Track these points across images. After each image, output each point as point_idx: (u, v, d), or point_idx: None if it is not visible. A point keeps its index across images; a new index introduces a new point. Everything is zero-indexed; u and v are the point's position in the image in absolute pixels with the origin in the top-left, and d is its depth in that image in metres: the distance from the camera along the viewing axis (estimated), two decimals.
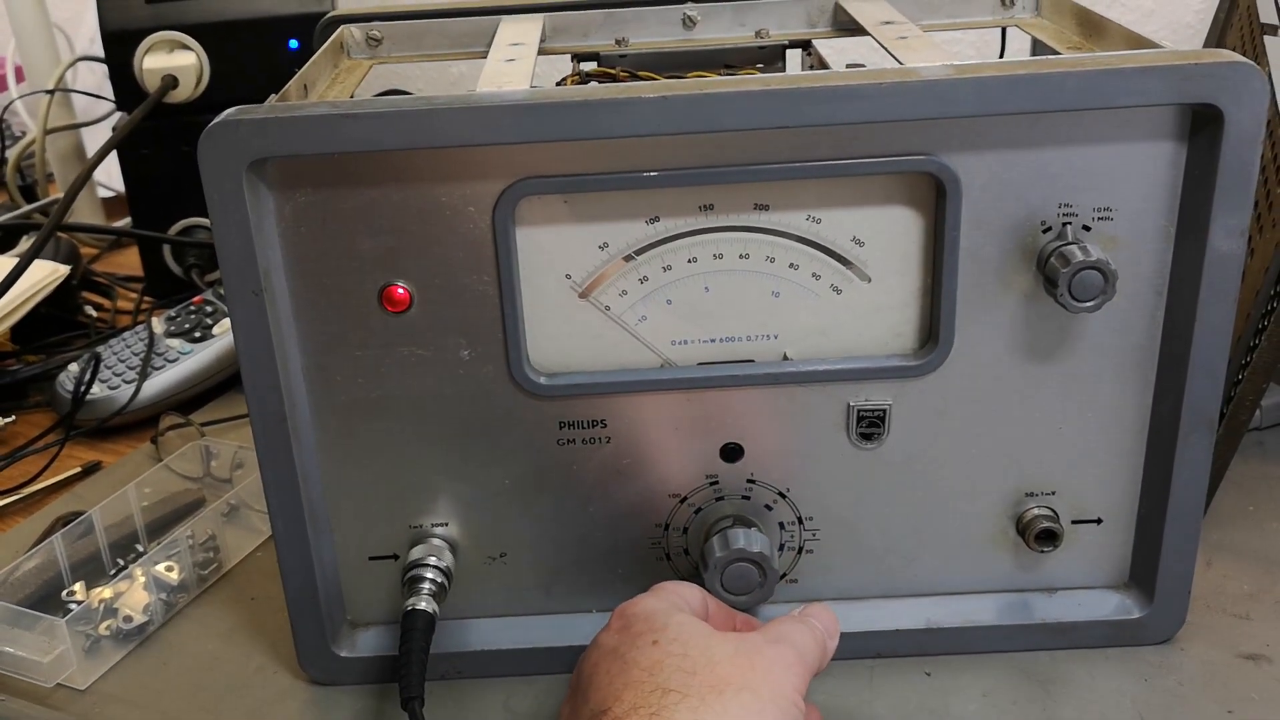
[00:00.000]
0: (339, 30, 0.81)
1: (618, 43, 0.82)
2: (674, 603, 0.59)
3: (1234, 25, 0.95)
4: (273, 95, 0.62)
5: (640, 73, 0.80)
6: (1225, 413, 0.73)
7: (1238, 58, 0.56)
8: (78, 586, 0.77)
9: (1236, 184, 0.59)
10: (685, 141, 0.60)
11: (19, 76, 1.53)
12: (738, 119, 0.58)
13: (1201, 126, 0.59)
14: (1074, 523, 0.68)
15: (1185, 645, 0.69)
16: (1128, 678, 0.67)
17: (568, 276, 0.63)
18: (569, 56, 0.83)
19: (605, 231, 0.62)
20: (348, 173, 0.60)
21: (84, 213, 1.46)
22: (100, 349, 1.06)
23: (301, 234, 0.61)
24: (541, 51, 0.77)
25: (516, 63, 0.70)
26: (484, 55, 0.74)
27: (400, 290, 0.62)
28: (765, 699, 0.53)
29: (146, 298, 1.25)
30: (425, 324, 0.63)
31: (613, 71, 0.80)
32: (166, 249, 1.23)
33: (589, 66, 0.82)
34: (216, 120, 0.57)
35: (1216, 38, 0.99)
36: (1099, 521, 0.68)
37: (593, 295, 0.64)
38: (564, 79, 0.80)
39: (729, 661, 0.54)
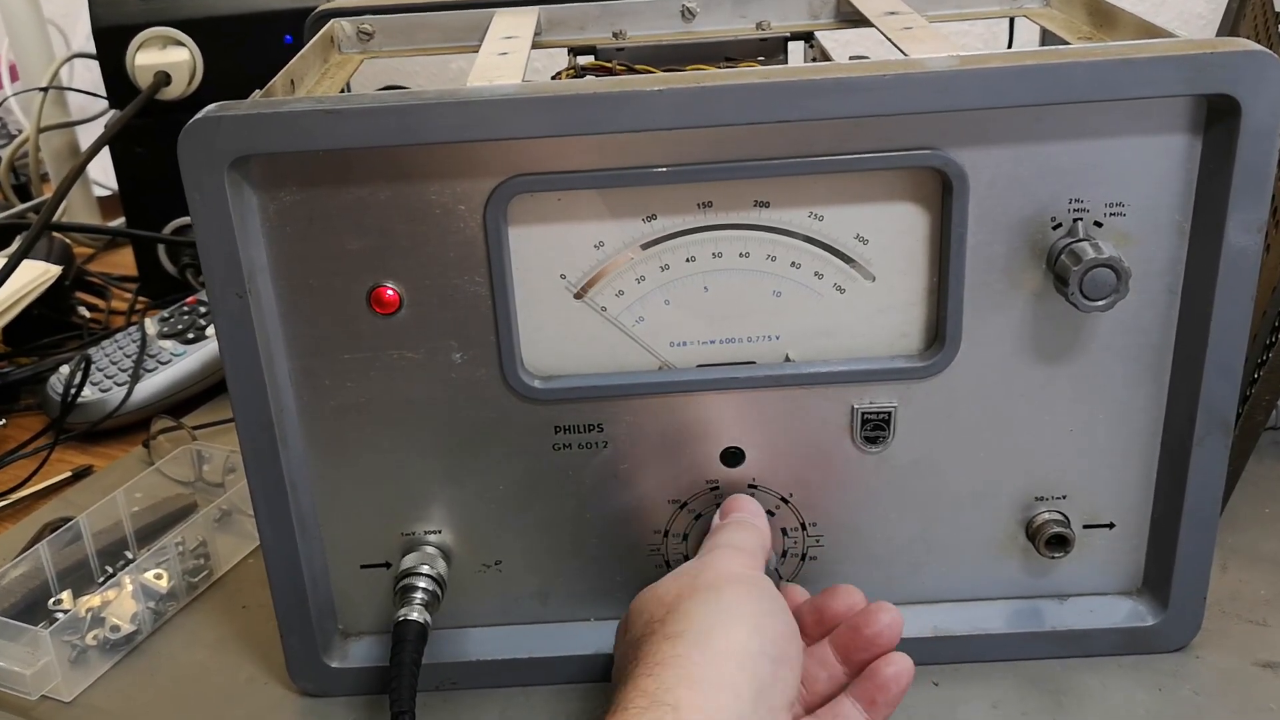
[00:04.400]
0: (329, 24, 0.79)
1: (615, 36, 0.81)
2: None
3: (1247, 16, 0.93)
4: (257, 91, 0.61)
5: (637, 66, 0.78)
6: (1241, 413, 0.72)
7: (1255, 46, 0.55)
8: (65, 595, 0.75)
9: (1253, 177, 0.57)
10: (683, 137, 0.58)
11: (13, 74, 1.51)
12: (737, 113, 0.56)
13: (1217, 118, 0.57)
14: (1085, 527, 0.66)
15: (1201, 653, 0.68)
16: (1141, 687, 0.66)
17: (562, 276, 0.61)
18: (565, 50, 0.82)
19: (601, 230, 0.60)
20: (334, 170, 0.58)
21: (79, 212, 1.45)
22: (92, 351, 1.05)
23: (287, 234, 0.59)
24: (537, 45, 0.76)
25: (509, 56, 0.69)
26: (478, 49, 0.73)
27: (389, 291, 0.60)
28: (714, 584, 0.57)
29: (141, 298, 1.24)
30: (415, 326, 0.61)
31: (609, 65, 0.78)
32: (161, 249, 1.21)
33: (585, 60, 0.80)
34: (197, 117, 0.55)
35: (1229, 28, 0.97)
36: (1111, 526, 0.67)
37: (588, 296, 0.62)
38: (559, 73, 0.78)
39: (674, 581, 0.58)
